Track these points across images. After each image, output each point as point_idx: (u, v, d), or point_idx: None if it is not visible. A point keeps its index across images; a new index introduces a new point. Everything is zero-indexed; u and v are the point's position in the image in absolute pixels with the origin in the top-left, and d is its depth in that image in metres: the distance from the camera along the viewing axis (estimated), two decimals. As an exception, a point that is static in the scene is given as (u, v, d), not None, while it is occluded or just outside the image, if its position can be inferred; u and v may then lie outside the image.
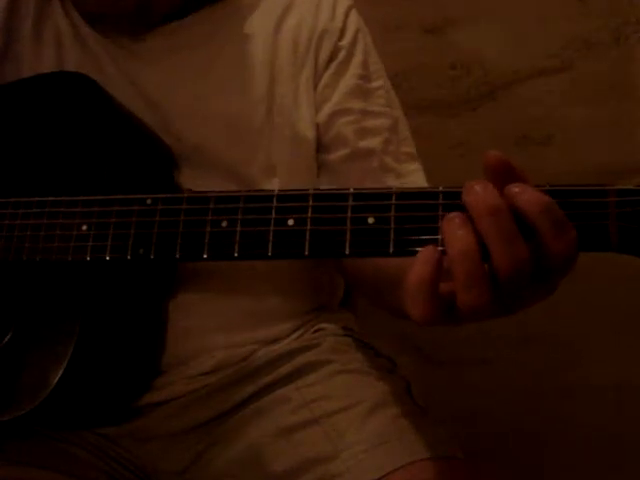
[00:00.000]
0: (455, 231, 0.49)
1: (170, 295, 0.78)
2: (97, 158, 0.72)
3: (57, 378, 0.65)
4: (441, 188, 0.53)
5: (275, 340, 0.82)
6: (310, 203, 0.56)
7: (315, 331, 0.84)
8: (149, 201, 0.62)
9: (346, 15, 0.87)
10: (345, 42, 0.86)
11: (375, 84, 0.87)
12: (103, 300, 0.70)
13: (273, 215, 0.57)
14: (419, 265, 0.50)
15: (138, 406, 0.78)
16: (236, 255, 0.57)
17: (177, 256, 0.60)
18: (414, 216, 0.53)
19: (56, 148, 0.73)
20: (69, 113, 0.73)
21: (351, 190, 0.55)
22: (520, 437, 1.26)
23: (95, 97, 0.73)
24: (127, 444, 0.79)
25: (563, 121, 1.24)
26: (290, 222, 0.56)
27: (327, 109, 0.84)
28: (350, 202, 0.55)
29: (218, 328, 0.80)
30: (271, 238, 0.56)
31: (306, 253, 0.55)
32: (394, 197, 0.53)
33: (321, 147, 0.84)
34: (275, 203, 0.57)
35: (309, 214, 0.55)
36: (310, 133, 0.83)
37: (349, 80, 0.85)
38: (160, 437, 0.78)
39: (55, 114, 0.74)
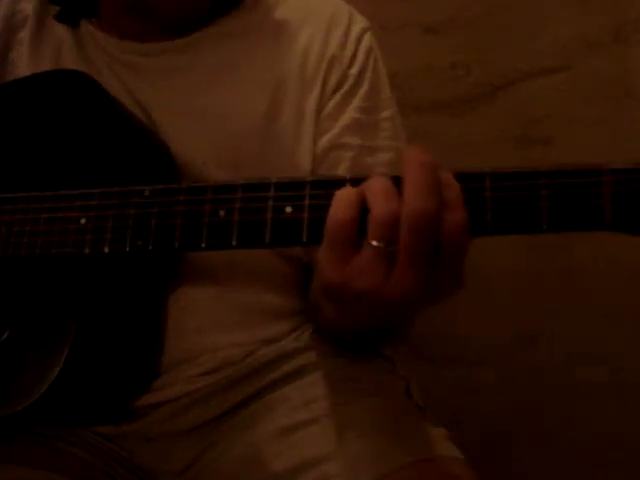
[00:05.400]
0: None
1: (169, 295, 0.78)
2: (96, 155, 0.71)
3: (54, 377, 0.65)
4: None
5: (275, 340, 0.82)
6: (307, 191, 0.56)
7: (314, 331, 0.84)
8: (147, 193, 0.62)
9: (359, 40, 0.85)
10: (354, 70, 0.83)
11: (381, 115, 0.84)
12: (101, 299, 0.70)
13: (271, 203, 0.57)
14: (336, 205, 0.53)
15: (138, 407, 0.78)
16: (234, 244, 0.57)
17: (175, 246, 0.59)
18: None
19: (55, 145, 0.73)
20: (67, 110, 0.73)
21: (348, 177, 0.55)
22: (520, 437, 1.26)
23: (94, 94, 0.73)
24: (127, 444, 0.78)
25: (563, 121, 1.24)
26: (288, 210, 0.56)
27: (325, 141, 0.81)
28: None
29: (218, 328, 0.79)
30: (269, 226, 0.56)
31: (304, 240, 0.55)
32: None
33: None
34: (272, 192, 0.57)
35: (307, 201, 0.55)
36: (307, 165, 0.81)
37: (351, 113, 0.82)
38: (160, 437, 0.78)
39: (54, 111, 0.74)
